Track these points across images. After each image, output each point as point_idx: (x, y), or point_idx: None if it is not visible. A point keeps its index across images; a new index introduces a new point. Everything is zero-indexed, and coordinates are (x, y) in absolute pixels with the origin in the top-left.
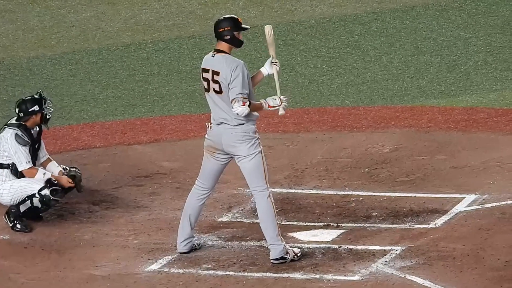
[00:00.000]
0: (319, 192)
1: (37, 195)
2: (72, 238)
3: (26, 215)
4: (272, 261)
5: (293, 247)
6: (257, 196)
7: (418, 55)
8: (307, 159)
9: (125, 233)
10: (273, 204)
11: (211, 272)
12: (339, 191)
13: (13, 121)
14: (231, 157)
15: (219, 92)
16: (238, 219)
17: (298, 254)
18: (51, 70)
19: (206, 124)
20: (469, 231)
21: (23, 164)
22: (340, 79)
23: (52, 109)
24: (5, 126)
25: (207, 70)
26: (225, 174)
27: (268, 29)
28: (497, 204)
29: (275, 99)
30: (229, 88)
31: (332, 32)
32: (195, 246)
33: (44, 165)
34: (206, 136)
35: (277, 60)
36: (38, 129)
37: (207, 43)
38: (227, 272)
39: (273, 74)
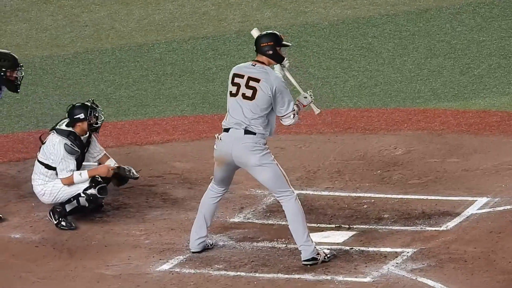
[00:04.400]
0: (331, 193)
1: (82, 194)
2: (83, 238)
3: (71, 213)
4: (303, 262)
5: (323, 249)
6: (283, 201)
7: (431, 57)
8: (319, 160)
9: (136, 233)
10: (300, 206)
11: (222, 272)
12: (351, 193)
13: (63, 126)
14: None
15: (251, 98)
16: (249, 220)
17: (329, 255)
18: (64, 70)
19: (216, 135)
20: (481, 234)
21: (64, 172)
22: (353, 81)
23: (103, 117)
24: (54, 130)
25: (241, 76)
26: (237, 175)
27: (254, 32)
28: (508, 207)
29: (306, 97)
30: (271, 100)
31: (346, 34)
32: (208, 245)
33: (102, 162)
34: (215, 147)
35: (285, 62)
36: (88, 134)
37: (220, 44)
38: (238, 273)
39: (285, 76)
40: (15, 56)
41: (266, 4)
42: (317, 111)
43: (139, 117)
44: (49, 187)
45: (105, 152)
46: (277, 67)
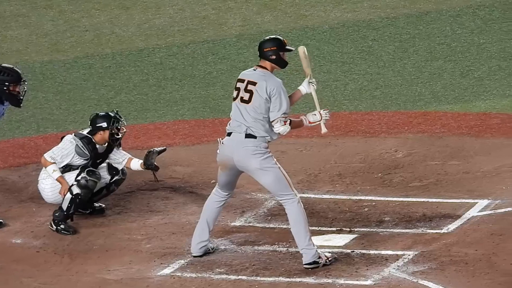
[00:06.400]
0: (332, 197)
1: (74, 182)
2: (84, 242)
3: (69, 213)
4: (305, 266)
5: (324, 252)
6: (286, 204)
7: (432, 60)
8: (320, 164)
9: (138, 238)
10: (303, 209)
11: (224, 276)
12: (352, 196)
13: (84, 132)
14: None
15: (247, 101)
16: (251, 224)
17: (330, 259)
18: (64, 75)
19: (218, 139)
20: (482, 236)
21: (49, 154)
22: (353, 85)
23: (125, 129)
24: (74, 133)
25: (242, 80)
26: (238, 179)
27: (303, 50)
28: (509, 209)
29: (315, 114)
30: (269, 103)
31: (346, 38)
32: (209, 250)
33: (127, 165)
34: (217, 151)
35: (313, 80)
36: (106, 145)
37: (220, 48)
38: (240, 277)
39: (311, 93)
40: (19, 71)
41: (267, 8)
42: (324, 130)
43: (140, 121)
44: (49, 182)
45: (129, 156)
46: (305, 82)
